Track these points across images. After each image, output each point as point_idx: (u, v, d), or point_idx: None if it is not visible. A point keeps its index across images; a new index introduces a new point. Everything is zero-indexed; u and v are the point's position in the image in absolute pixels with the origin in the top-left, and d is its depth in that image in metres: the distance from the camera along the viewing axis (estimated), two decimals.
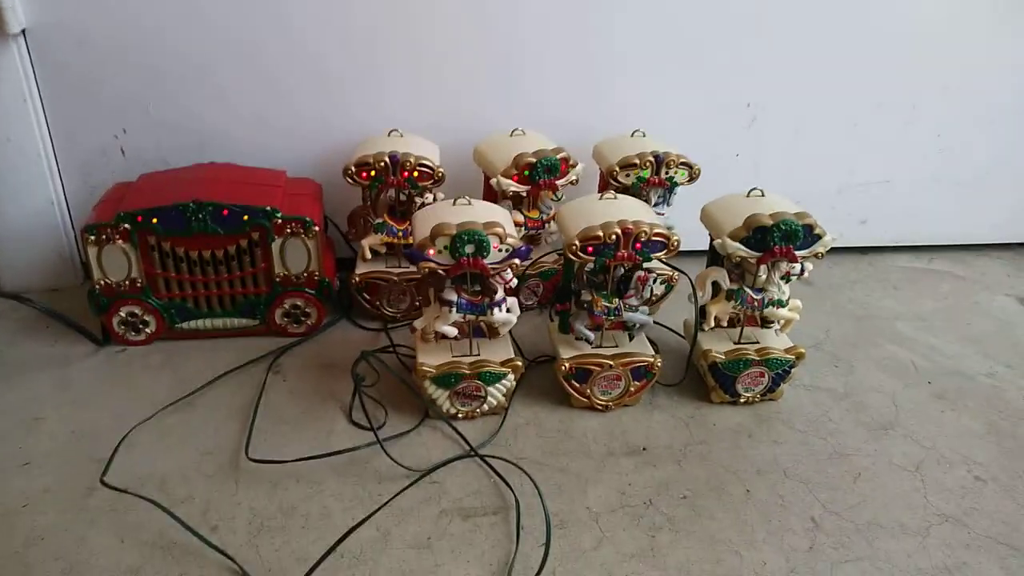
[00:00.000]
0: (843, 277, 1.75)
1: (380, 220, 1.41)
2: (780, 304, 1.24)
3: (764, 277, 1.22)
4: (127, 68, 1.43)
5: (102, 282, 1.32)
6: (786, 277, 1.23)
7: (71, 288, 1.57)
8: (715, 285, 1.24)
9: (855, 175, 1.74)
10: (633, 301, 1.21)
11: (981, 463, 1.19)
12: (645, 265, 1.20)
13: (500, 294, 1.17)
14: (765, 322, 1.32)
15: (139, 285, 1.33)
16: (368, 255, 1.45)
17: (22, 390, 1.27)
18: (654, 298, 1.49)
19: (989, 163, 1.76)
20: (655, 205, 1.43)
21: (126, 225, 1.28)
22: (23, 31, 1.36)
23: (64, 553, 0.98)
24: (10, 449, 1.15)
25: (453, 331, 1.18)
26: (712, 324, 1.25)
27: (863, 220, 1.80)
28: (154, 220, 1.28)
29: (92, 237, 1.28)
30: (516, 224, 1.38)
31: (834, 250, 1.21)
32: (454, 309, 1.16)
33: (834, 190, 1.75)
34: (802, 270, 1.23)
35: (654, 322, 1.46)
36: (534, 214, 1.45)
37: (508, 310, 1.19)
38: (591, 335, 1.24)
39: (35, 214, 1.49)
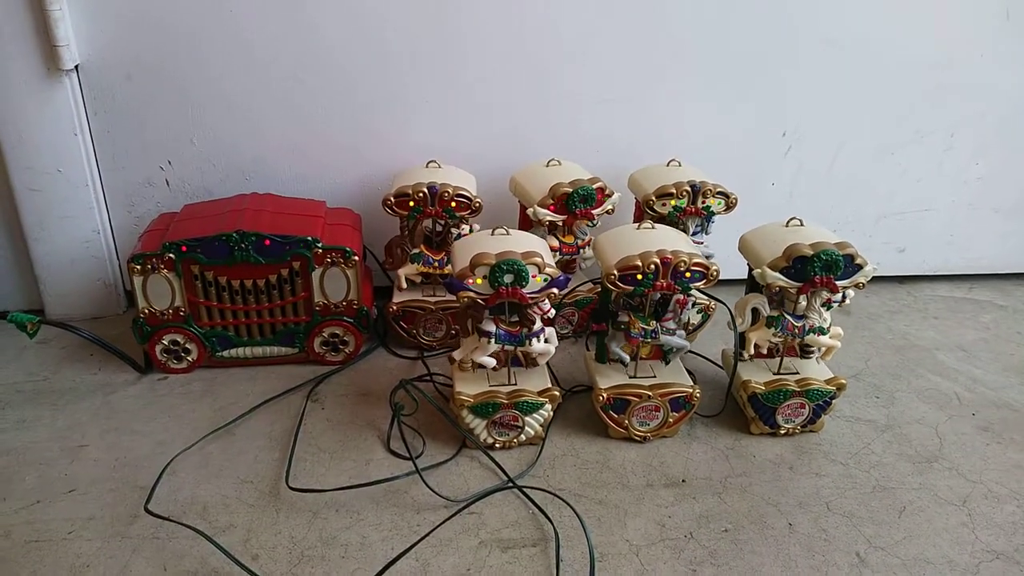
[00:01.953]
0: (882, 307, 1.73)
1: (417, 250, 1.43)
2: (821, 331, 1.22)
3: (804, 304, 1.21)
4: (173, 102, 1.47)
5: (146, 311, 1.35)
6: (827, 304, 1.22)
7: (114, 316, 1.60)
8: (755, 312, 1.23)
9: (892, 203, 1.72)
10: (671, 324, 1.21)
11: None
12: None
13: (538, 324, 1.17)
14: (805, 352, 1.30)
15: (182, 314, 1.36)
16: (404, 284, 1.46)
17: (67, 417, 1.30)
18: (691, 327, 1.49)
19: None
20: (693, 234, 1.43)
21: (171, 255, 1.31)
22: (76, 67, 1.41)
23: None
24: (56, 476, 1.16)
25: (492, 362, 1.19)
26: (752, 352, 1.24)
27: (901, 249, 1.78)
28: (198, 250, 1.30)
29: (138, 266, 1.31)
30: (551, 249, 1.39)
31: (872, 279, 1.19)
32: (492, 340, 1.17)
33: (871, 218, 1.73)
34: (843, 297, 1.22)
35: (692, 352, 1.46)
36: (569, 239, 1.45)
37: (546, 340, 1.20)
38: (626, 357, 1.24)
39: (81, 243, 1.52)
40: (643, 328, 1.20)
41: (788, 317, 1.22)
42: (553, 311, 1.18)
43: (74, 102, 1.42)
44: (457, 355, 1.22)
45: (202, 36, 1.42)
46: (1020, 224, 1.78)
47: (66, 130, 1.43)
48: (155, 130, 1.49)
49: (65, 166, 1.46)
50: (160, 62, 1.43)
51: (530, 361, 1.24)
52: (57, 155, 1.45)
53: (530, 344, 1.18)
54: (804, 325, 1.22)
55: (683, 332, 1.24)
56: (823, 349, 1.27)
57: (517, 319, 1.18)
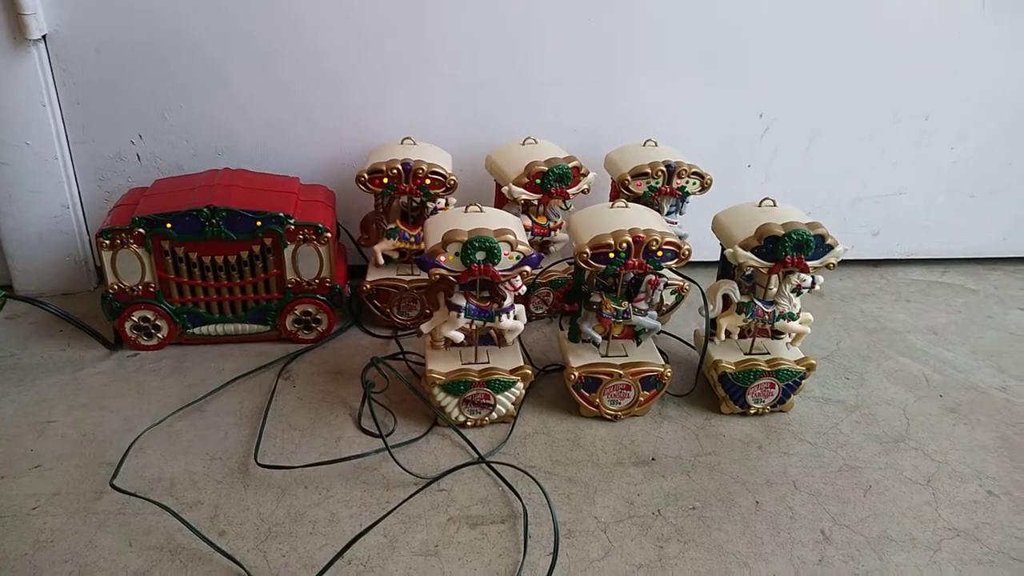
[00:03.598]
0: (855, 289, 1.74)
1: (392, 226, 1.42)
2: (791, 317, 1.23)
3: (775, 289, 1.22)
4: (144, 75, 1.44)
5: (116, 286, 1.33)
6: (797, 290, 1.23)
7: (84, 292, 1.58)
8: (726, 298, 1.24)
9: (868, 187, 1.73)
10: (642, 305, 1.21)
11: (993, 477, 1.18)
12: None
13: (508, 301, 1.17)
14: (776, 333, 1.31)
15: (152, 290, 1.34)
16: (380, 260, 1.45)
17: (34, 393, 1.28)
18: (664, 307, 1.50)
19: (1003, 176, 1.75)
20: (668, 214, 1.43)
21: (140, 230, 1.29)
22: (43, 37, 1.38)
23: (73, 556, 0.98)
24: (21, 451, 1.15)
25: (460, 336, 1.19)
26: (723, 337, 1.25)
27: (875, 232, 1.79)
28: (168, 225, 1.29)
29: (107, 241, 1.29)
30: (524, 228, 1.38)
31: (846, 262, 1.20)
32: (462, 314, 1.16)
33: (846, 202, 1.74)
34: (813, 283, 1.23)
35: (665, 332, 1.47)
36: (542, 220, 1.45)
37: (515, 317, 1.20)
38: (598, 337, 1.24)
39: (51, 218, 1.50)
40: (615, 308, 1.20)
41: (758, 303, 1.22)
42: (524, 288, 1.18)
43: (42, 73, 1.39)
44: (426, 328, 1.21)
45: (175, 8, 1.39)
46: (994, 209, 1.79)
47: (34, 101, 1.40)
48: (126, 103, 1.46)
49: (33, 139, 1.43)
50: (131, 34, 1.41)
51: (501, 339, 1.24)
52: (25, 127, 1.42)
53: (499, 320, 1.18)
54: (774, 311, 1.23)
55: (655, 313, 1.24)
56: (793, 335, 1.28)
57: (488, 295, 1.17)
